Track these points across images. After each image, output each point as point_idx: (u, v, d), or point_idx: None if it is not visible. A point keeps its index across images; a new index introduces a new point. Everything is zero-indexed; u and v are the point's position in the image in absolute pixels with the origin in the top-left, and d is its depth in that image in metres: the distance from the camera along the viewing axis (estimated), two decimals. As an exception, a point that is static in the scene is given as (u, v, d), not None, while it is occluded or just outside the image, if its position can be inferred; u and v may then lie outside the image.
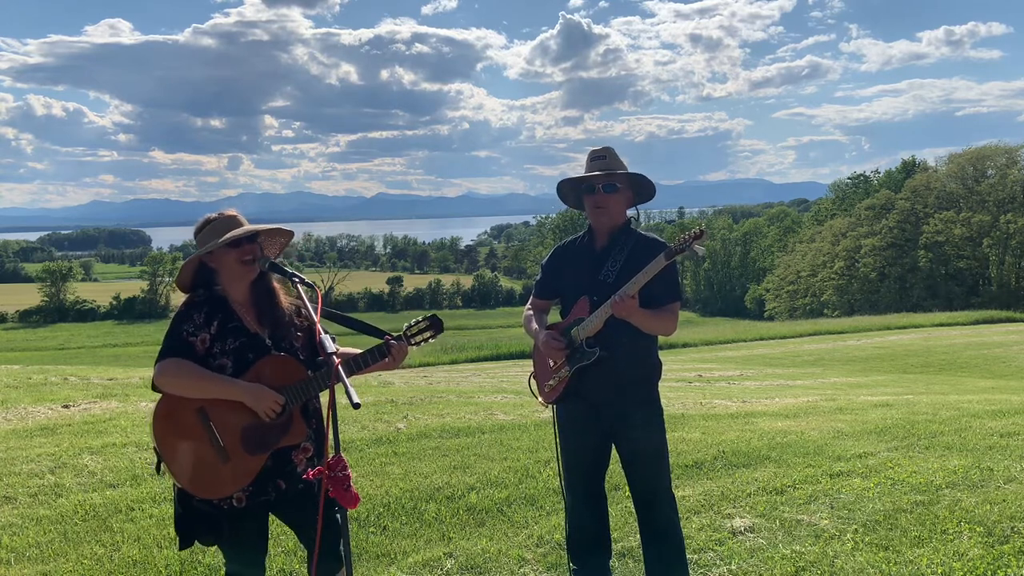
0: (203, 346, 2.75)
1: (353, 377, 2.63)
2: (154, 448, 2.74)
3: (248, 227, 2.82)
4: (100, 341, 66.21)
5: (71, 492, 4.84)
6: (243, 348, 2.77)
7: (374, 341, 2.87)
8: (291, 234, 3.01)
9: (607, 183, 3.34)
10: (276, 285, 2.92)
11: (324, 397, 2.65)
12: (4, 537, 4.15)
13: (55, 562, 3.90)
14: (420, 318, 2.92)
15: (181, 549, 2.86)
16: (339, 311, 2.87)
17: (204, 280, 2.86)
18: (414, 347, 2.89)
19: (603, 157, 3.38)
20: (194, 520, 2.78)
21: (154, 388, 2.76)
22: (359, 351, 2.86)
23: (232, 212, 2.86)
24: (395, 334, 2.87)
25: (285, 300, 2.92)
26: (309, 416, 2.85)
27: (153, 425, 2.74)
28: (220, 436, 2.70)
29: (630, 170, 3.40)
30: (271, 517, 2.92)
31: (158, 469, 2.78)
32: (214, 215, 2.86)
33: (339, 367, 2.41)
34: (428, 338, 2.90)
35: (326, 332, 2.60)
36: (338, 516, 2.54)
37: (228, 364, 2.75)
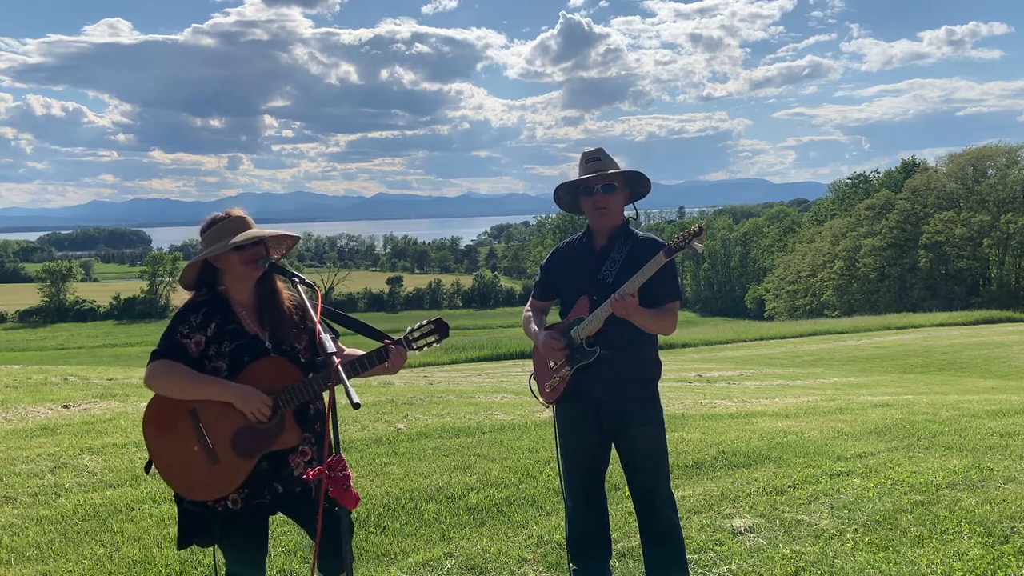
0: (198, 348, 2.74)
1: (352, 378, 2.62)
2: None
3: (255, 231, 2.81)
4: (100, 341, 66.23)
5: (71, 492, 4.84)
6: (239, 350, 2.76)
7: (374, 343, 2.85)
8: (297, 239, 3.00)
9: (606, 183, 3.35)
10: (280, 286, 2.91)
11: (325, 397, 2.64)
12: (4, 537, 4.15)
13: (55, 562, 3.90)
14: (424, 321, 2.84)
15: (179, 549, 2.86)
16: (340, 311, 2.85)
17: (208, 279, 2.86)
18: (416, 351, 2.83)
19: (598, 159, 3.39)
20: (187, 521, 2.78)
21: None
22: (360, 352, 2.85)
23: (240, 212, 2.84)
24: (395, 338, 2.83)
25: (288, 301, 2.91)
26: (310, 419, 2.83)
27: (143, 425, 2.74)
28: (210, 438, 2.69)
29: (626, 168, 3.41)
30: (276, 514, 2.91)
31: (147, 469, 2.78)
32: (221, 215, 2.84)
33: (339, 367, 2.41)
34: (432, 342, 2.82)
35: (327, 332, 2.60)
36: (339, 516, 2.54)
37: (223, 367, 2.74)
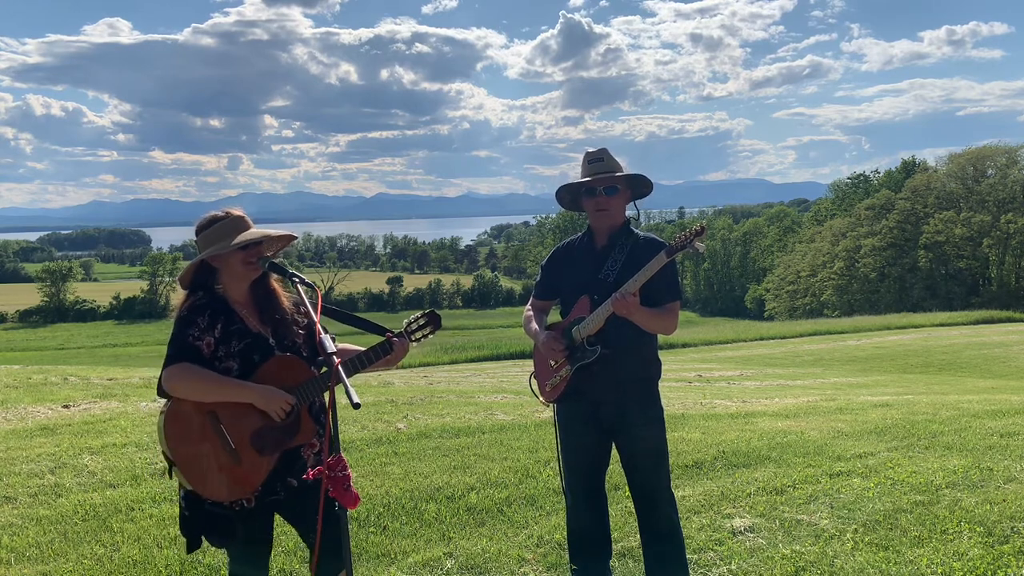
0: (208, 350, 2.74)
1: (353, 377, 2.63)
2: (163, 453, 2.73)
3: (257, 232, 2.81)
4: (100, 341, 66.24)
5: (71, 492, 4.84)
6: (248, 349, 2.77)
7: (377, 339, 2.87)
8: (295, 239, 3.01)
9: (608, 185, 3.35)
10: (275, 284, 2.91)
11: (326, 397, 2.65)
12: (4, 537, 4.15)
13: (55, 562, 3.90)
14: (419, 314, 2.93)
15: (189, 552, 2.84)
16: (338, 308, 2.87)
17: (203, 279, 2.85)
18: (414, 343, 2.89)
19: (601, 159, 3.39)
20: (204, 523, 2.77)
21: (160, 394, 2.75)
22: (361, 348, 2.86)
23: (239, 212, 2.84)
24: (396, 331, 2.87)
25: (285, 299, 2.92)
26: (316, 412, 2.85)
27: (164, 430, 2.72)
28: (231, 438, 2.69)
29: (627, 168, 3.42)
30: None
31: (170, 474, 2.78)
32: (221, 213, 2.83)
33: (339, 367, 2.41)
34: (428, 334, 2.91)
35: (326, 332, 2.60)
36: (338, 516, 2.54)
37: (234, 366, 2.75)
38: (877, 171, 70.30)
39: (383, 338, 2.85)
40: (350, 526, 4.18)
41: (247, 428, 2.70)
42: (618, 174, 3.37)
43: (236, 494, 2.72)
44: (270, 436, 2.72)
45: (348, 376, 2.45)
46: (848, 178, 72.50)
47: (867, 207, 57.66)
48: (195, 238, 2.85)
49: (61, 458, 5.45)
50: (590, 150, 3.43)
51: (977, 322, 29.74)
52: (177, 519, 2.91)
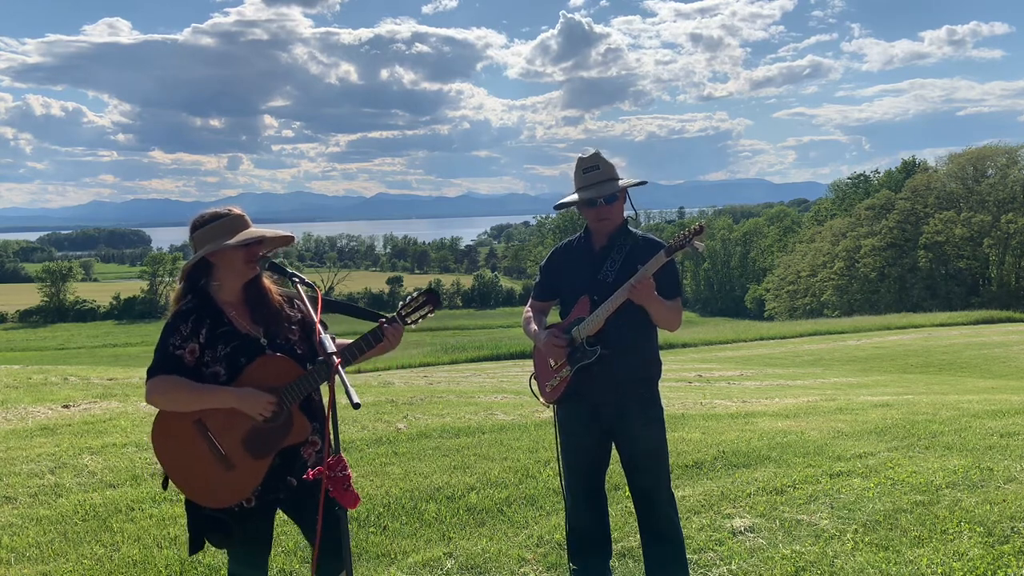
0: (192, 357, 2.71)
1: (353, 377, 2.61)
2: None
3: (258, 231, 2.79)
4: (100, 341, 66.24)
5: (71, 492, 4.84)
6: (235, 352, 2.73)
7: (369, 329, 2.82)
8: (293, 239, 2.99)
9: (608, 196, 3.34)
10: (267, 282, 2.88)
11: (325, 396, 2.63)
12: (4, 537, 4.15)
13: (55, 562, 3.90)
14: (416, 294, 2.80)
15: (191, 553, 2.83)
16: (330, 299, 2.79)
17: (199, 274, 2.82)
18: (411, 326, 2.78)
19: (596, 167, 3.36)
20: (204, 525, 2.77)
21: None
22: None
23: (239, 211, 2.81)
24: (388, 315, 2.80)
25: (277, 296, 2.90)
26: (313, 410, 2.83)
27: (153, 441, 2.73)
28: (220, 445, 2.67)
29: (621, 166, 3.42)
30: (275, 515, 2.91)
31: (165, 484, 2.77)
32: (223, 211, 2.80)
33: (339, 367, 2.40)
34: (426, 314, 2.78)
35: (326, 330, 2.59)
36: (339, 517, 2.54)
37: (221, 371, 2.72)
38: (877, 171, 70.39)
39: (376, 324, 2.78)
40: (350, 526, 4.19)
41: (238, 432, 2.68)
42: (616, 184, 3.35)
43: (232, 499, 2.70)
44: (262, 438, 2.69)
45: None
46: (848, 178, 72.56)
47: (867, 207, 57.66)
48: (192, 234, 2.79)
49: (61, 458, 5.45)
50: (583, 156, 3.40)
51: (977, 322, 29.72)
52: (178, 519, 2.91)
